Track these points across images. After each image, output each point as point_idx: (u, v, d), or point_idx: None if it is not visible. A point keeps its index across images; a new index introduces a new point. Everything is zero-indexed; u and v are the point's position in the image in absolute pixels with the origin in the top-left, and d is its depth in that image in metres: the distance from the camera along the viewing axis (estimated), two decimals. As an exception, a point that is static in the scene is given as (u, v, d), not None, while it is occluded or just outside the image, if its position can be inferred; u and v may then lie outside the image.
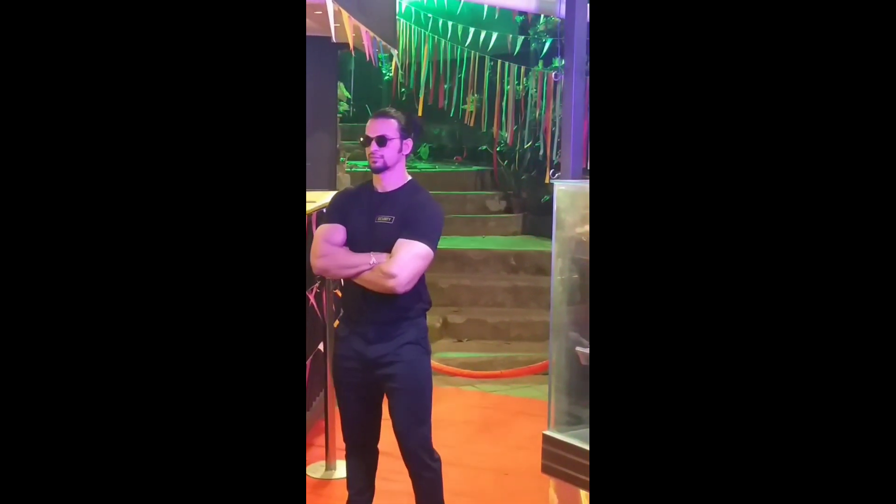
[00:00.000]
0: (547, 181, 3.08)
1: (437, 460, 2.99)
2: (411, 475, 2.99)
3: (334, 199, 3.15)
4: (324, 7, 3.95)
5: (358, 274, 2.83)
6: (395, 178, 2.97)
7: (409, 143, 2.97)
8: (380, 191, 2.97)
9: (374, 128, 2.93)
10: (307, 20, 4.77)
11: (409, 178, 3.03)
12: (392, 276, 2.74)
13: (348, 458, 3.12)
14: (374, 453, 3.11)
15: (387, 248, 2.81)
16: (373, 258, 2.80)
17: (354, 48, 5.26)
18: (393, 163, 2.93)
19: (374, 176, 2.97)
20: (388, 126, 2.91)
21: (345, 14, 4.20)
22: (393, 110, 3.04)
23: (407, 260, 2.77)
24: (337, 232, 2.93)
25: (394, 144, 2.90)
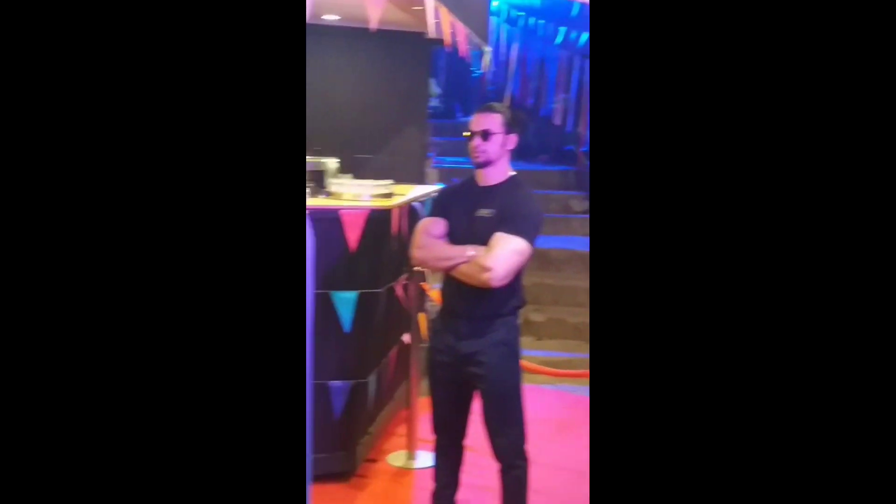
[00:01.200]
0: (510, 173, 2.98)
1: (525, 460, 2.95)
2: (500, 472, 2.97)
3: (438, 193, 3.17)
4: (423, 2, 3.95)
5: (454, 266, 2.81)
6: (497, 173, 2.93)
7: (514, 138, 2.93)
8: (481, 185, 2.95)
9: (478, 122, 2.90)
10: (403, 15, 4.79)
11: (513, 173, 2.99)
12: (488, 270, 2.71)
13: (436, 451, 3.11)
14: (461, 448, 3.09)
15: (485, 242, 2.77)
16: (470, 251, 2.77)
17: (451, 44, 5.25)
18: (496, 157, 2.90)
19: (477, 171, 2.95)
20: (493, 121, 2.88)
21: (443, 9, 4.20)
22: (498, 105, 3.00)
23: (504, 254, 2.73)
24: (437, 225, 2.93)
25: (497, 139, 2.87)
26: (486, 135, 2.85)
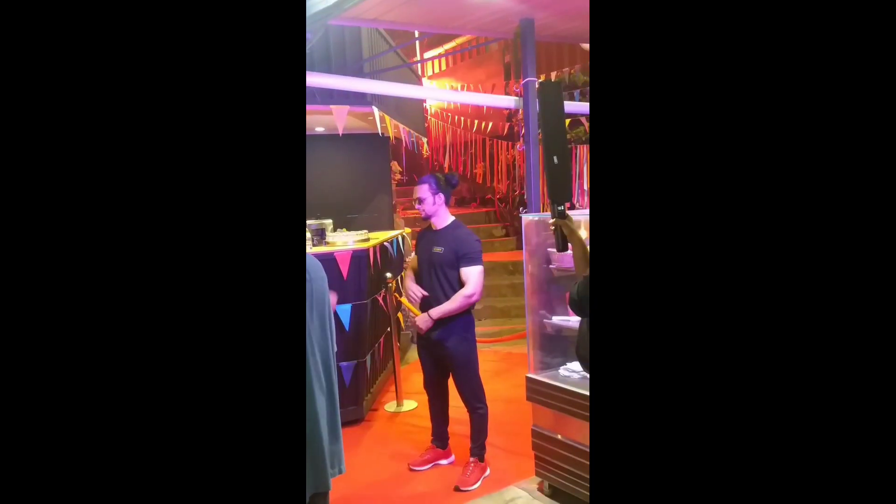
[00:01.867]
0: (450, 219, 3.00)
1: (484, 404, 2.99)
2: (469, 413, 3.01)
3: (417, 235, 3.24)
4: (372, 113, 4.04)
5: (417, 298, 2.94)
6: (440, 221, 2.94)
7: (441, 196, 2.92)
8: (434, 229, 2.96)
9: (414, 192, 2.99)
10: (360, 122, 4.85)
11: (453, 218, 2.99)
12: (472, 296, 2.82)
13: (429, 401, 3.16)
14: (445, 398, 3.13)
15: (441, 268, 2.86)
16: (419, 291, 2.92)
17: (396, 138, 5.33)
18: (433, 212, 2.90)
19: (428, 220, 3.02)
20: (422, 190, 2.91)
21: (387, 116, 4.27)
22: (428, 177, 3.00)
23: (475, 281, 2.82)
24: (410, 273, 3.08)
25: (428, 200, 2.89)
26: (420, 200, 2.91)
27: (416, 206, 2.93)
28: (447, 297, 2.84)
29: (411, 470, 3.11)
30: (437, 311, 2.84)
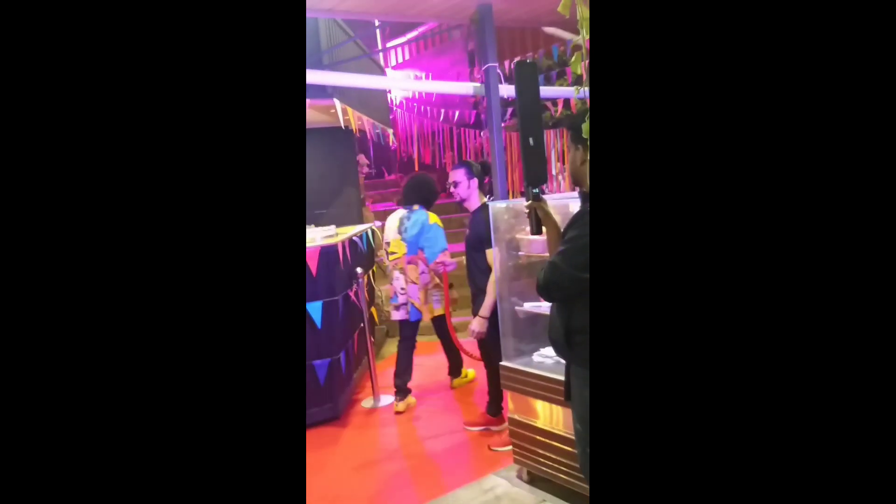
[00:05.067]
0: (482, 202, 3.15)
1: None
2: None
3: None
4: (334, 106, 3.97)
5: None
6: (471, 204, 3.22)
7: (475, 181, 3.19)
8: (469, 210, 3.27)
9: (450, 176, 3.25)
10: (322, 116, 4.76)
11: (483, 201, 3.21)
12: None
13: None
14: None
15: (468, 251, 3.20)
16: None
17: (360, 130, 5.26)
18: (466, 196, 3.20)
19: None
20: (458, 174, 3.20)
21: (349, 109, 4.21)
22: (462, 163, 3.28)
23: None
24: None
25: (463, 184, 3.19)
26: (455, 184, 3.19)
27: (451, 189, 3.20)
28: (475, 278, 3.08)
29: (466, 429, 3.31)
30: (485, 310, 3.02)
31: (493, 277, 2.92)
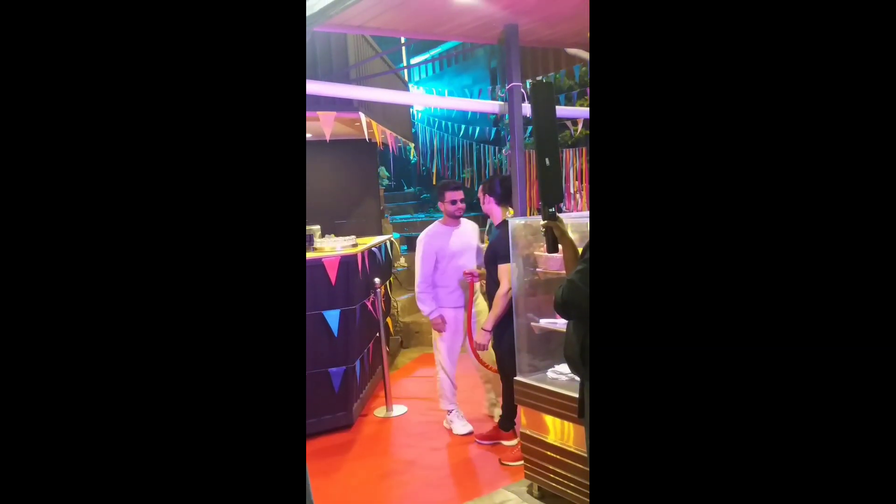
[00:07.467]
0: (504, 217, 3.19)
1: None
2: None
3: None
4: (359, 119, 4.04)
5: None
6: (493, 220, 3.32)
7: (490, 198, 3.27)
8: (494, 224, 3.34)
9: (479, 190, 3.37)
10: (347, 128, 4.85)
11: (502, 219, 3.25)
12: (507, 293, 3.03)
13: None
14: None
15: (486, 264, 3.22)
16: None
17: (383, 143, 5.33)
18: (487, 212, 3.30)
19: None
20: (480, 191, 3.34)
21: (373, 122, 4.28)
22: (485, 180, 3.51)
23: (505, 277, 3.04)
24: None
25: (482, 201, 3.30)
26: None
27: (483, 206, 3.31)
28: (492, 292, 3.11)
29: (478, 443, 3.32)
30: (489, 323, 3.08)
31: (500, 291, 2.95)
